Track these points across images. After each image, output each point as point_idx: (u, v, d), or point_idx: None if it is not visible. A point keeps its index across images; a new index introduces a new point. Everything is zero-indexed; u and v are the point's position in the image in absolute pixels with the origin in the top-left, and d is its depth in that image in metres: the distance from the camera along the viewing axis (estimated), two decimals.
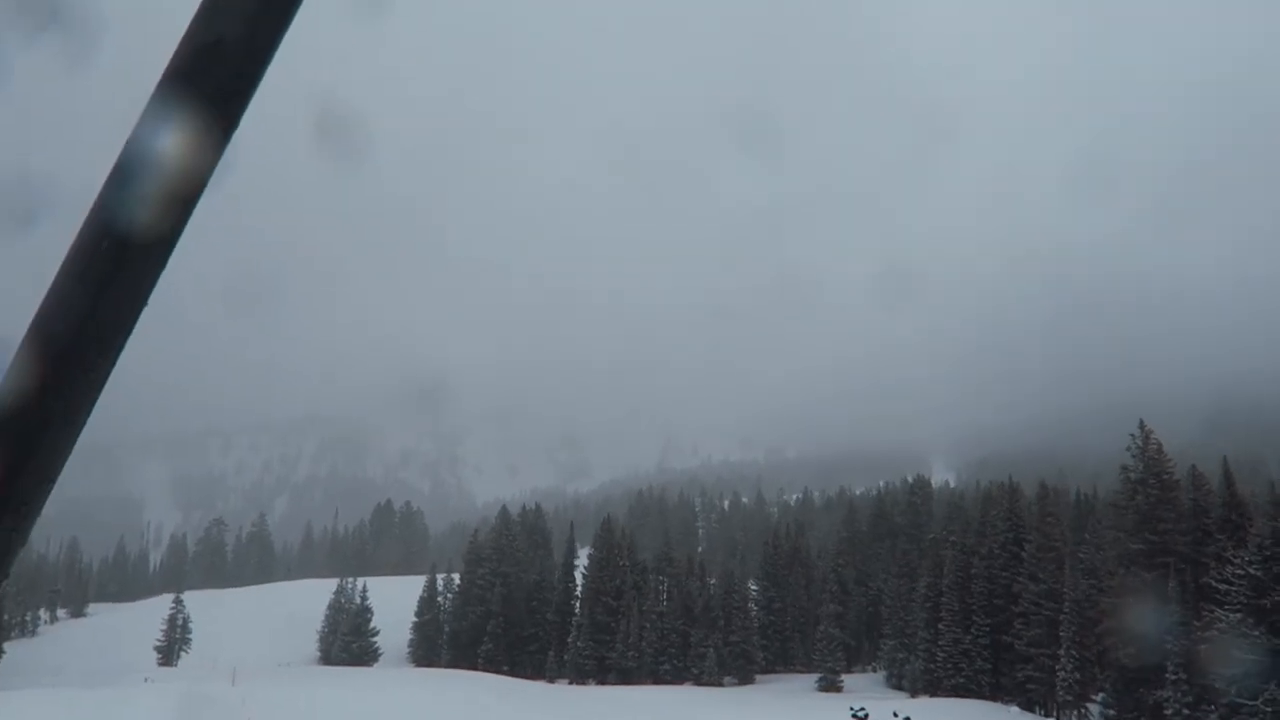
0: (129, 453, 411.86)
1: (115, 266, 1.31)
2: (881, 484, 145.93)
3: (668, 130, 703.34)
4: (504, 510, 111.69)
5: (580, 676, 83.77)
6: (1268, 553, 50.36)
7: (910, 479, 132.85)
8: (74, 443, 1.38)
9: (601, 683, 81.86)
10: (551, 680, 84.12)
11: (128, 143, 1.34)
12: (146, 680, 61.82)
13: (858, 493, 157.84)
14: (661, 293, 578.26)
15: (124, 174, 1.32)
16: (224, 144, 1.37)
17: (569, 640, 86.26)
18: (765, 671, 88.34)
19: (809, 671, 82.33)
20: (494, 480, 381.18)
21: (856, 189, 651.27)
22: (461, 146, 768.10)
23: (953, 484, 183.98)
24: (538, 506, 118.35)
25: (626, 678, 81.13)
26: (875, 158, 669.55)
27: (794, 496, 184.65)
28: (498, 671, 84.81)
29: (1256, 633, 49.02)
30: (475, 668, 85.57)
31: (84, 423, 1.36)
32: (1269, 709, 47.17)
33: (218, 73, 1.37)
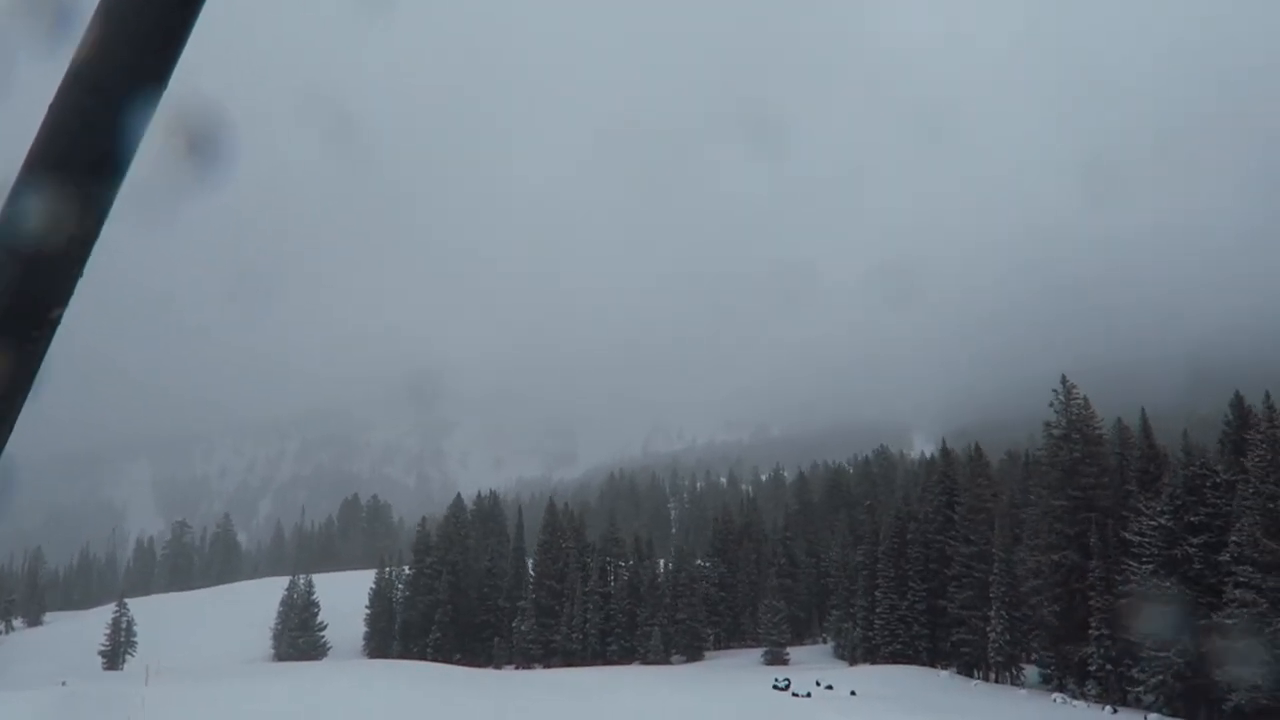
0: (109, 461, 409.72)
1: (47, 230, 1.20)
2: (856, 456, 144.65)
3: (653, 123, 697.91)
4: (458, 499, 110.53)
5: (526, 661, 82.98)
6: (1178, 502, 49.63)
7: (872, 452, 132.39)
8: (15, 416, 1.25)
9: (547, 666, 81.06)
10: (499, 666, 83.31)
11: (61, 88, 1.23)
12: (64, 684, 60.75)
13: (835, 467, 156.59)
14: (646, 281, 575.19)
15: (57, 125, 1.22)
16: (153, 106, 1.24)
17: (514, 625, 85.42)
18: (718, 647, 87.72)
19: (759, 646, 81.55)
20: (479, 472, 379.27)
21: (843, 177, 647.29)
22: (446, 138, 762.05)
23: (929, 454, 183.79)
24: (493, 494, 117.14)
25: (571, 660, 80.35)
26: (862, 146, 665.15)
27: (765, 474, 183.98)
28: (447, 660, 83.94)
29: (1168, 583, 48.32)
30: (425, 657, 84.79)
31: (23, 399, 1.23)
32: (1180, 659, 46.50)
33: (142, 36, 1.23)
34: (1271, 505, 43.01)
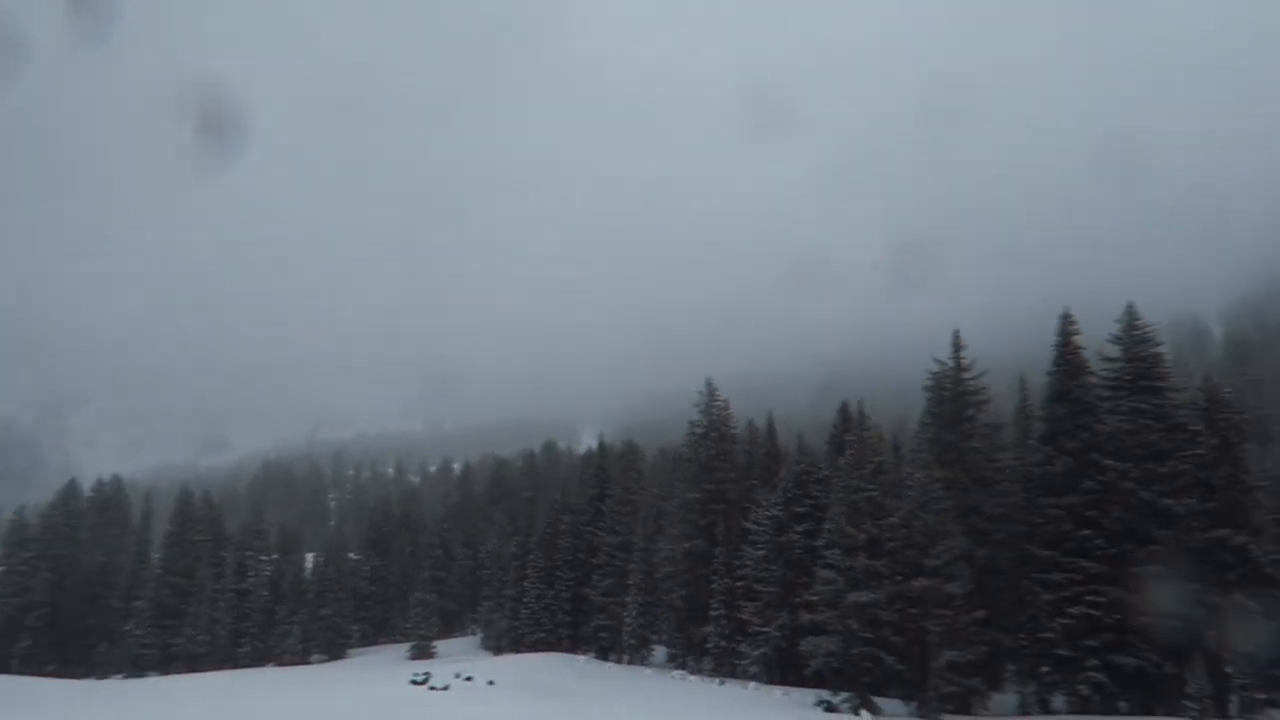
0: None
1: None
2: (525, 450, 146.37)
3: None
4: (71, 484, 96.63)
5: (138, 669, 74.20)
6: (789, 495, 55.59)
7: (539, 446, 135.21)
8: None
9: (165, 673, 73.05)
10: (102, 676, 73.67)
11: None
12: None
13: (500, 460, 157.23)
14: (333, 263, 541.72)
15: None
16: None
17: (126, 628, 76.16)
18: (364, 644, 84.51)
19: (408, 641, 79.72)
20: (111, 455, 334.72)
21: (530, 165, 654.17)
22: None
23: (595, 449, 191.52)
24: (117, 479, 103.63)
25: (195, 665, 73.13)
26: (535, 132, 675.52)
27: (434, 466, 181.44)
28: (38, 672, 72.71)
29: (774, 567, 54.00)
30: (10, 670, 72.71)
31: None
32: (779, 633, 52.16)
33: None
34: (855, 497, 49.50)
